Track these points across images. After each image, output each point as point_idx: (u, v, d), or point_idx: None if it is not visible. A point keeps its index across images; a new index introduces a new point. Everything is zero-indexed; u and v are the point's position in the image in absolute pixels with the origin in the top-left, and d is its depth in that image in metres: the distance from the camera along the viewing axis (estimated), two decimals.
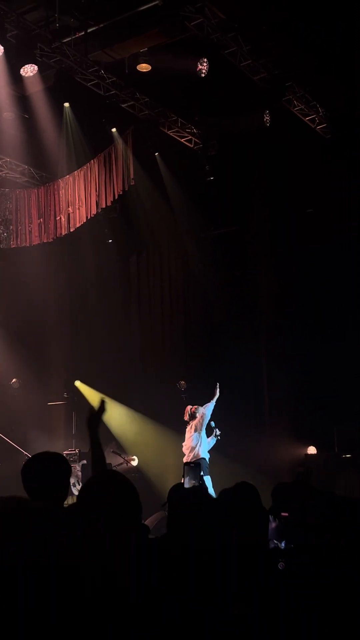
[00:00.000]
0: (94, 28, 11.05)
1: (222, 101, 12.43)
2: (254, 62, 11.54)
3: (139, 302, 16.02)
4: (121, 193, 13.08)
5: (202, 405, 11.22)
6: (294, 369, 13.99)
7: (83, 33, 11.10)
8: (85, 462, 12.99)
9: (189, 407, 11.46)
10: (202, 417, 11.06)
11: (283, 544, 2.47)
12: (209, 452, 11.11)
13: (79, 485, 12.54)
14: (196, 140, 13.89)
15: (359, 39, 10.57)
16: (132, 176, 12.91)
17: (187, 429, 11.38)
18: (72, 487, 12.50)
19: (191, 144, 13.95)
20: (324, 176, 12.85)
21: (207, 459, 10.99)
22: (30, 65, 11.01)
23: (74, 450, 13.56)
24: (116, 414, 15.17)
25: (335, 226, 13.27)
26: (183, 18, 10.40)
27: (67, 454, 13.43)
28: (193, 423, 11.21)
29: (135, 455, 14.19)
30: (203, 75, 10.99)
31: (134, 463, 13.52)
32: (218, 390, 11.12)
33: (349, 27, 10.40)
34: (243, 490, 3.11)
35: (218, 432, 10.98)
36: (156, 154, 14.36)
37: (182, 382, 14.84)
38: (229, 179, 13.79)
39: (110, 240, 15.78)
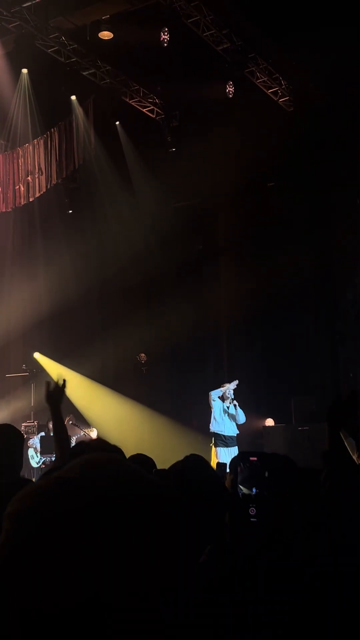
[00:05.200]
0: None
1: (184, 71, 12.30)
2: (217, 32, 11.43)
3: (99, 274, 15.90)
4: (82, 163, 12.92)
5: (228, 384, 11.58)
6: (253, 342, 14.12)
7: None
8: (43, 433, 12.96)
9: None
10: (210, 397, 11.28)
11: (254, 490, 2.49)
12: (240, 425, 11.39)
13: (38, 457, 12.51)
14: (158, 110, 13.75)
15: (320, 14, 10.52)
16: (92, 146, 12.75)
17: None
18: (30, 459, 12.47)
19: (153, 114, 13.81)
20: (286, 148, 12.86)
21: (221, 433, 11.27)
22: None
23: (33, 422, 13.52)
24: (75, 385, 15.13)
25: (297, 200, 13.33)
26: None
27: (25, 426, 13.39)
28: None
29: (95, 427, 14.21)
30: (165, 45, 10.85)
31: (93, 435, 13.52)
32: (230, 385, 11.27)
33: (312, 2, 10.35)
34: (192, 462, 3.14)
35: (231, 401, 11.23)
36: (117, 123, 14.19)
37: (142, 355, 14.89)
38: (191, 151, 13.70)
39: (70, 211, 15.60)
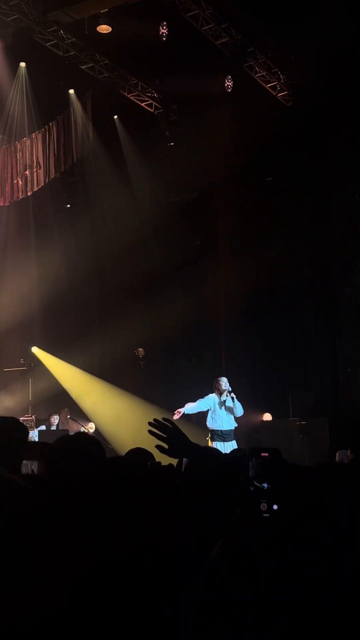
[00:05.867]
0: None
1: (183, 65, 12.27)
2: (216, 27, 11.39)
3: (97, 268, 15.90)
4: (80, 157, 12.89)
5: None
6: (251, 337, 14.12)
7: None
8: (43, 427, 13.00)
9: None
10: (199, 407, 11.33)
11: (265, 485, 2.50)
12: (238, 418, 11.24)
13: None
14: (157, 104, 13.72)
15: (319, 9, 10.51)
16: (91, 140, 12.73)
17: None
18: None
19: (151, 108, 13.78)
20: (285, 144, 12.84)
21: (218, 429, 11.16)
22: None
23: (31, 417, 13.53)
24: (73, 379, 15.14)
25: (296, 195, 13.31)
26: None
27: (23, 420, 13.37)
28: None
29: (93, 421, 14.23)
30: (164, 39, 10.83)
31: (91, 430, 13.54)
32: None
33: None
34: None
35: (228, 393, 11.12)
36: (115, 117, 14.15)
37: (140, 349, 14.88)
38: (189, 145, 13.68)
39: (68, 205, 15.57)
